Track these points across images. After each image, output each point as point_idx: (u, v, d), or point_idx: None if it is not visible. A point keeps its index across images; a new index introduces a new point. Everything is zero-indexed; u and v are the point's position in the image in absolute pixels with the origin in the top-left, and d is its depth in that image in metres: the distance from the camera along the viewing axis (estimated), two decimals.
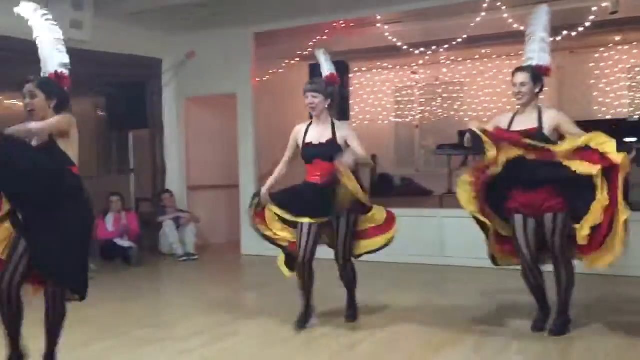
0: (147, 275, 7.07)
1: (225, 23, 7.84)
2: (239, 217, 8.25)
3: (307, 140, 4.38)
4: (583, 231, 3.75)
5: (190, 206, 8.58)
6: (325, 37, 8.52)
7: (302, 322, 4.34)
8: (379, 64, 11.06)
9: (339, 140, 4.35)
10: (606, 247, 3.72)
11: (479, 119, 10.37)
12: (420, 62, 10.02)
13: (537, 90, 4.10)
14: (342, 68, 8.02)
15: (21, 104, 3.50)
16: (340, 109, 7.93)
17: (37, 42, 3.58)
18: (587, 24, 7.32)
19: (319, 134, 4.39)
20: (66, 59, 3.58)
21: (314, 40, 8.61)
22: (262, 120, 8.20)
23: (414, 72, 11.00)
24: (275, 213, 4.34)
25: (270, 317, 4.82)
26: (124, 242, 7.62)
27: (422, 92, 11.26)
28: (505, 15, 7.28)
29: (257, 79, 8.22)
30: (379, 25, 8.22)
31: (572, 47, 9.09)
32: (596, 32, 8.10)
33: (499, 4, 7.11)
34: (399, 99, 11.56)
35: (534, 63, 4.16)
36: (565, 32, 7.73)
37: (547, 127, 3.96)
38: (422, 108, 11.31)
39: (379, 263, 7.07)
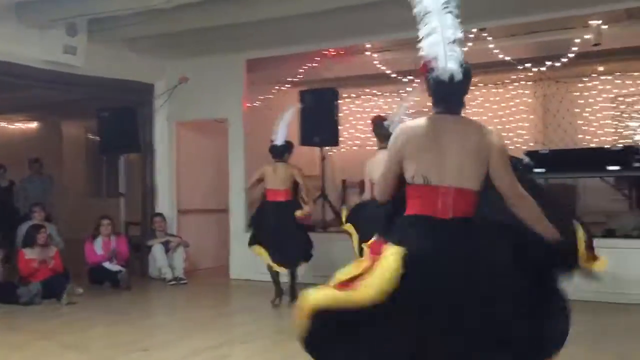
0: (136, 299, 7.04)
1: (217, 49, 7.96)
2: (228, 242, 8.27)
3: None
4: None
5: (179, 230, 8.59)
6: (315, 64, 8.68)
7: None
8: (368, 90, 11.22)
9: None
10: None
11: None
12: (409, 89, 10.19)
13: None
14: (332, 95, 8.17)
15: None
16: (330, 135, 8.08)
17: None
18: (571, 55, 7.51)
19: None
20: None
21: (305, 67, 8.76)
22: (253, 146, 8.28)
23: (402, 100, 11.16)
24: None
25: (259, 340, 4.84)
26: (113, 266, 7.59)
27: (411, 118, 11.40)
28: (492, 46, 7.46)
29: (248, 105, 8.32)
30: (368, 53, 8.38)
31: (557, 77, 9.30)
32: (580, 63, 8.31)
33: (484, 34, 7.29)
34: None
35: None
36: (549, 63, 7.94)
37: None
38: None
39: None
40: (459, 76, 2.40)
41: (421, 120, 2.48)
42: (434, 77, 2.45)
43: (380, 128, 5.55)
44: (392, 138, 2.49)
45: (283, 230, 6.06)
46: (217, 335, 4.98)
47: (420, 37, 2.47)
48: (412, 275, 2.12)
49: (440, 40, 2.41)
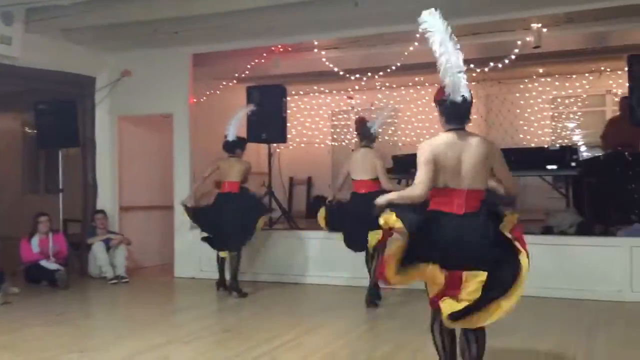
0: (74, 298, 6.83)
1: (162, 43, 7.79)
2: (172, 239, 8.12)
3: None
4: None
5: (122, 227, 8.37)
6: (263, 60, 8.61)
7: None
8: (316, 87, 11.24)
9: None
10: None
11: (412, 144, 10.71)
12: (356, 87, 10.26)
13: None
14: (280, 91, 8.13)
15: None
16: (278, 132, 8.04)
17: None
18: (513, 57, 7.71)
19: None
20: None
21: (252, 63, 8.68)
22: (199, 141, 8.15)
23: (350, 97, 11.23)
24: None
25: (202, 339, 4.77)
26: (51, 265, 7.34)
27: (357, 116, 11.48)
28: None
29: (194, 100, 8.19)
30: (316, 50, 8.37)
31: (499, 77, 9.56)
32: (521, 64, 8.55)
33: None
34: (335, 122, 11.76)
35: None
36: (492, 64, 8.13)
37: None
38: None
39: (313, 285, 7.14)
40: (469, 98, 3.17)
41: (442, 137, 3.23)
42: (450, 100, 3.17)
43: (363, 128, 6.12)
44: (422, 151, 3.18)
45: (234, 217, 6.45)
46: (159, 335, 4.87)
47: (438, 68, 3.18)
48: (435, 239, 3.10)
49: (455, 71, 3.12)
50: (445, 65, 3.13)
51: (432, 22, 3.19)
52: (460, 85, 3.13)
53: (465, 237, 3.07)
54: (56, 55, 7.55)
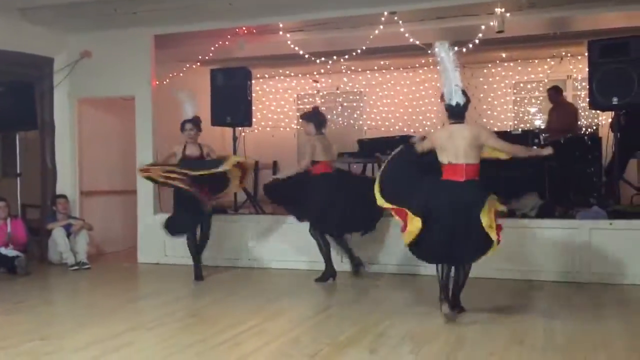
0: (35, 285, 6.67)
1: (123, 24, 7.59)
2: (135, 224, 8.00)
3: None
4: None
5: (83, 212, 8.20)
6: (227, 43, 8.49)
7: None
8: (281, 71, 11.14)
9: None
10: None
11: (377, 127, 10.73)
12: (322, 70, 10.21)
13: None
14: (244, 74, 8.04)
15: None
16: (243, 115, 7.96)
17: None
18: (477, 41, 7.77)
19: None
20: None
21: (216, 45, 8.55)
22: (161, 125, 8.01)
23: (315, 81, 11.18)
24: None
25: (166, 325, 4.72)
26: (9, 252, 7.16)
27: (323, 100, 11.46)
28: (402, 30, 7.58)
29: (156, 82, 8.03)
30: (281, 33, 8.28)
31: (463, 62, 9.56)
32: (485, 49, 8.62)
33: (395, 18, 7.39)
34: (301, 106, 11.69)
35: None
36: (456, 48, 8.14)
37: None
38: None
39: (278, 270, 7.13)
40: (462, 102, 4.72)
41: (444, 129, 4.84)
42: (449, 103, 4.74)
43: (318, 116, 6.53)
44: (431, 137, 4.89)
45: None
46: (122, 322, 4.80)
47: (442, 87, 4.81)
48: (442, 205, 4.59)
49: (452, 84, 4.72)
50: (446, 80, 4.72)
51: (443, 53, 4.78)
52: (454, 94, 4.69)
53: (465, 196, 4.53)
54: (13, 35, 7.31)
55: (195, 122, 6.69)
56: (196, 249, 6.58)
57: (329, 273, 6.30)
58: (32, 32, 7.61)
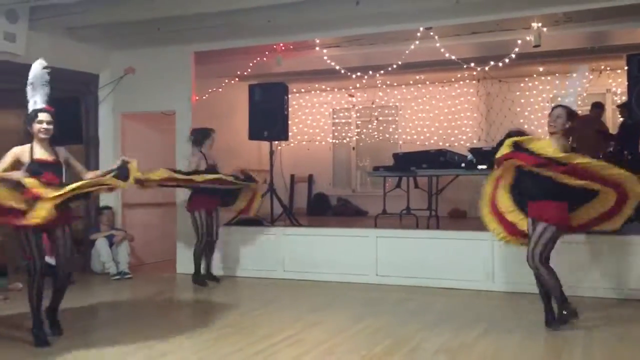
0: (77, 294, 6.88)
1: (165, 41, 7.85)
2: (174, 236, 8.18)
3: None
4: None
5: (125, 224, 8.44)
6: (265, 58, 8.67)
7: None
8: (317, 86, 11.29)
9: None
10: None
11: (412, 142, 10.76)
12: (357, 85, 10.31)
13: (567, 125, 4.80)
14: (281, 89, 8.19)
15: None
16: (280, 129, 8.10)
17: None
18: (513, 55, 7.76)
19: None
20: None
21: (254, 61, 8.74)
22: None
23: (351, 95, 11.29)
24: None
25: (203, 335, 4.83)
26: (53, 260, 7.38)
27: (358, 114, 11.56)
28: (438, 45, 7.64)
29: (196, 97, 8.24)
30: (317, 48, 8.43)
31: (500, 76, 9.61)
32: (521, 63, 8.61)
33: (431, 33, 7.45)
34: (337, 120, 11.81)
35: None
36: (492, 63, 8.18)
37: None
38: (359, 130, 11.61)
39: (314, 282, 7.20)
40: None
41: None
42: None
43: None
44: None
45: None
46: (160, 331, 4.92)
47: None
48: None
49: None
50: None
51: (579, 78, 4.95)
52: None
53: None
54: (60, 53, 7.59)
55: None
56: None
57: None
58: (78, 49, 7.92)
